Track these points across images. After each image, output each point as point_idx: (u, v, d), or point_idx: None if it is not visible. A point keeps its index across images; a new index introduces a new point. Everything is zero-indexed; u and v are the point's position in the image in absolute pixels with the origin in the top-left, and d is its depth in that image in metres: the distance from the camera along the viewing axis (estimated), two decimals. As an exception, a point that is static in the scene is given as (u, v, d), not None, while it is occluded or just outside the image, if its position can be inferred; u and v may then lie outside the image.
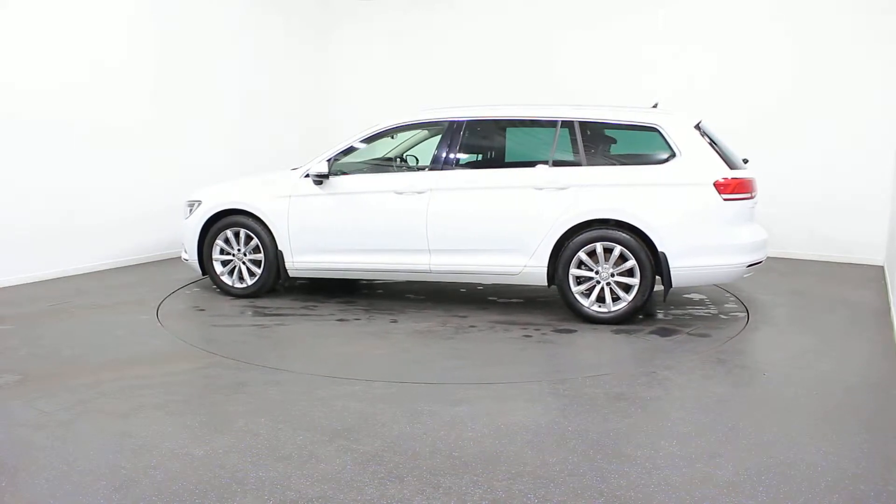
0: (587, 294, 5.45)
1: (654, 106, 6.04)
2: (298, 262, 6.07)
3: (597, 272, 5.39)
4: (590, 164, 5.50)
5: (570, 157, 5.56)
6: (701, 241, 5.28)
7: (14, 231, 6.60)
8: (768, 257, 5.82)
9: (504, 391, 4.08)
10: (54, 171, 6.92)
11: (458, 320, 5.61)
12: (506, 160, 6.07)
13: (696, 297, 6.36)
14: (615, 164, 5.56)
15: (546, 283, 5.57)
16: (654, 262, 5.30)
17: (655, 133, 5.44)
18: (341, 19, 10.51)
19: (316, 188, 5.96)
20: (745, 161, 5.76)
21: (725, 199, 5.24)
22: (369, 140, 6.13)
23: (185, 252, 6.49)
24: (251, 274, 6.25)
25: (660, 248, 5.26)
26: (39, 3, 6.66)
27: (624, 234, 5.31)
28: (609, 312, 5.40)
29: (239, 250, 6.26)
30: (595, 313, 5.43)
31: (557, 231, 5.42)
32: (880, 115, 7.78)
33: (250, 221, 6.16)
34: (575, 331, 5.32)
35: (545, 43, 9.28)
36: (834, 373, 4.45)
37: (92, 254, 7.38)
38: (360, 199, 5.91)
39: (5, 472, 3.09)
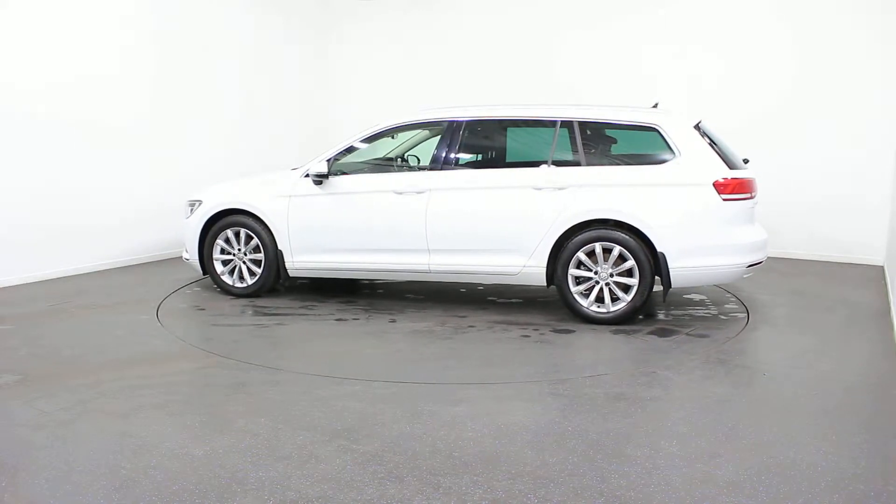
0: (586, 294, 5.45)
1: (654, 106, 6.04)
2: (298, 261, 6.08)
3: (596, 272, 5.39)
4: (589, 164, 5.50)
5: (570, 157, 5.56)
6: (700, 241, 5.27)
7: (14, 231, 6.60)
8: (768, 257, 5.82)
9: (504, 391, 4.09)
10: (54, 170, 6.92)
11: (457, 320, 5.61)
12: (505, 160, 6.07)
13: (695, 297, 6.36)
14: (615, 164, 5.55)
15: (545, 284, 5.57)
16: (653, 263, 5.30)
17: (655, 133, 5.44)
18: (341, 19, 10.50)
19: (316, 188, 5.97)
20: (746, 161, 5.76)
21: (725, 200, 5.23)
22: (369, 140, 6.13)
23: (187, 251, 6.51)
24: (251, 273, 6.26)
25: (659, 249, 5.26)
26: (39, 3, 6.66)
27: (623, 235, 5.31)
28: (608, 313, 5.40)
29: (239, 250, 6.26)
30: (594, 313, 5.43)
31: (557, 231, 5.43)
32: (880, 115, 7.78)
33: (251, 221, 6.17)
34: (574, 331, 5.32)
35: (545, 43, 9.28)
36: (834, 373, 4.45)
37: (92, 254, 7.38)
38: (360, 198, 5.91)
39: (5, 472, 3.09)
